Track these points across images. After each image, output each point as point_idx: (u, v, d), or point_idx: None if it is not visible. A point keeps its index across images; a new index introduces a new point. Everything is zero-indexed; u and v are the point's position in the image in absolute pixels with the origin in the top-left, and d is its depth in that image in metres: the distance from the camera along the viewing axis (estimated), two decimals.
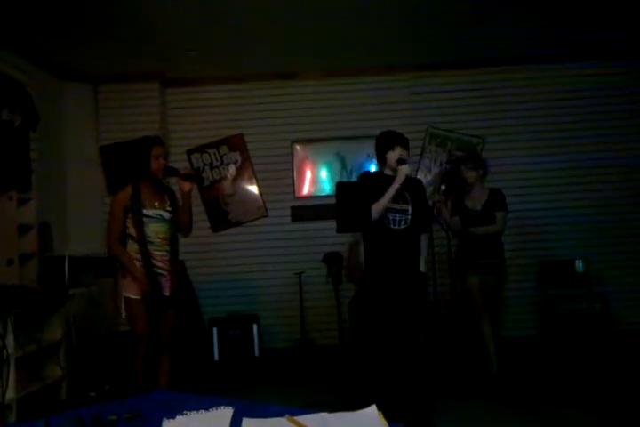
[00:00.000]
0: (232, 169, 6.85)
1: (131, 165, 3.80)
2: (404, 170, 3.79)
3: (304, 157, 6.86)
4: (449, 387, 4.66)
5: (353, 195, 4.08)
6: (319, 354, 6.12)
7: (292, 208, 6.76)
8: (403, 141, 3.93)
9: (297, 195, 6.82)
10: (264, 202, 6.83)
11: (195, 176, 4.07)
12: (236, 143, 6.87)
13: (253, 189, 6.86)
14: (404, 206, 3.87)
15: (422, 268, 3.97)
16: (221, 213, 6.82)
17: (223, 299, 6.58)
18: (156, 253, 3.76)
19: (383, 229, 3.85)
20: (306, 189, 6.83)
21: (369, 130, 6.63)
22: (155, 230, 3.75)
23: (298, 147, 6.86)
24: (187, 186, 3.84)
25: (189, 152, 6.85)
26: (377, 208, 3.78)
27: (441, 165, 6.73)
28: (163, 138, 6.61)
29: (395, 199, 3.84)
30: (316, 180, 6.84)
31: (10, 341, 4.01)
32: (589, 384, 4.64)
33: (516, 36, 6.05)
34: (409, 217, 3.87)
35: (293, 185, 6.82)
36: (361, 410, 1.64)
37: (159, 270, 3.78)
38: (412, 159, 3.96)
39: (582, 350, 5.79)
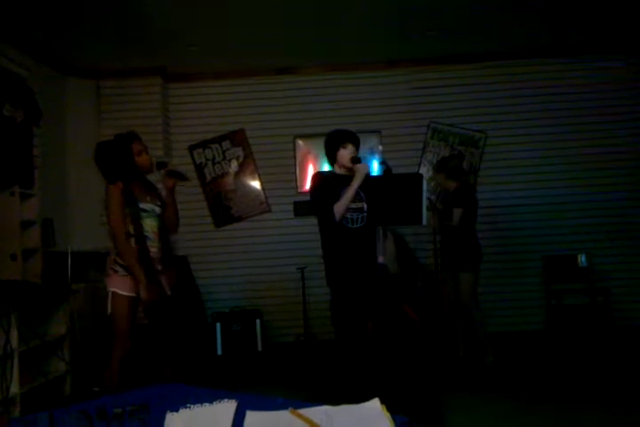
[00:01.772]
0: (234, 164, 6.85)
1: (114, 164, 3.61)
2: (363, 168, 3.75)
3: (306, 151, 6.86)
4: (454, 380, 4.68)
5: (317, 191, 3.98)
6: (322, 349, 6.12)
7: (295, 203, 6.76)
8: (353, 139, 3.88)
9: (299, 190, 6.81)
10: (266, 197, 6.83)
11: (180, 174, 3.91)
12: (238, 138, 6.87)
13: (256, 184, 6.86)
14: (359, 205, 3.84)
15: (380, 259, 3.95)
16: (224, 209, 6.82)
17: (226, 294, 6.59)
18: (152, 249, 3.65)
19: (341, 229, 3.82)
20: (308, 184, 6.82)
21: (371, 124, 6.65)
22: (150, 225, 3.67)
23: (300, 142, 6.86)
24: (170, 182, 3.77)
25: (192, 148, 6.85)
26: (338, 209, 3.74)
27: None
28: (164, 133, 6.68)
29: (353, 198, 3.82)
30: None
31: (14, 336, 4.01)
32: (592, 378, 4.64)
33: (517, 30, 6.04)
34: (365, 215, 3.85)
35: (296, 180, 6.82)
36: (364, 403, 1.64)
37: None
38: (365, 158, 3.91)
39: (586, 344, 5.79)
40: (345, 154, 3.83)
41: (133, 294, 3.54)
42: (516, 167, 6.64)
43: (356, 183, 3.74)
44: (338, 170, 3.92)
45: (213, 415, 1.63)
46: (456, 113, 6.76)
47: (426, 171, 6.64)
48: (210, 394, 1.77)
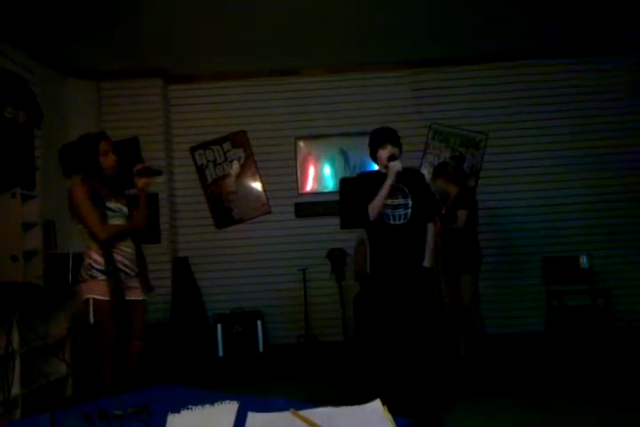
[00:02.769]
0: (235, 166, 6.86)
1: (79, 164, 3.53)
2: (395, 166, 3.76)
3: (307, 153, 6.86)
4: (455, 381, 4.67)
5: (353, 193, 4.05)
6: (323, 350, 6.12)
7: (296, 204, 6.76)
8: (392, 138, 3.91)
9: (300, 191, 6.81)
10: (267, 198, 6.83)
11: (151, 170, 3.73)
12: (239, 140, 6.87)
13: (257, 185, 6.86)
14: (402, 201, 3.85)
15: (427, 262, 3.87)
16: (225, 210, 6.82)
17: (227, 295, 6.59)
18: (124, 249, 3.48)
19: (383, 226, 3.83)
20: (309, 186, 6.83)
21: (372, 126, 6.52)
22: (117, 224, 3.50)
23: (301, 143, 6.86)
24: (141, 182, 3.61)
25: (193, 149, 6.86)
26: (373, 208, 3.78)
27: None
28: (165, 134, 6.68)
29: (393, 194, 3.82)
30: (320, 176, 6.83)
31: (15, 337, 4.02)
32: (593, 379, 4.64)
33: (518, 32, 6.05)
34: (409, 211, 3.84)
35: (297, 181, 6.82)
36: (365, 404, 1.64)
37: (127, 269, 3.48)
38: (401, 156, 3.92)
39: (586, 345, 5.79)
40: (383, 154, 3.88)
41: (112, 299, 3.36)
42: (517, 169, 6.64)
43: (388, 181, 3.76)
44: (381, 169, 3.95)
45: (215, 417, 1.63)
46: (457, 114, 6.76)
47: (427, 172, 6.63)
48: (211, 395, 1.77)
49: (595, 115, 6.65)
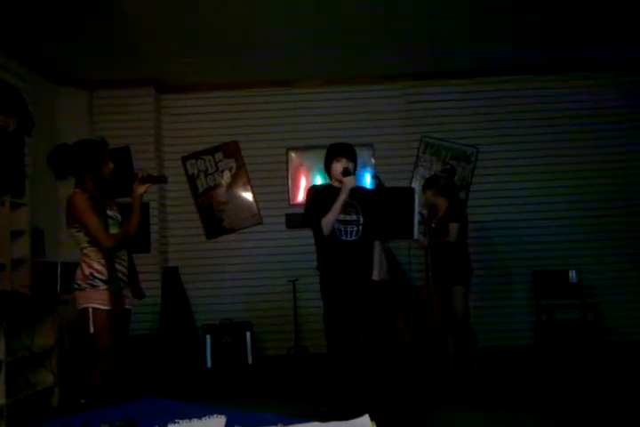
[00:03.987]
0: (227, 176, 6.85)
1: (81, 166, 3.46)
2: (349, 181, 3.76)
3: (299, 164, 6.86)
4: (443, 394, 4.66)
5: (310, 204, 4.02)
6: (313, 362, 6.09)
7: (287, 215, 6.75)
8: (348, 152, 3.92)
9: (291, 202, 6.81)
10: (259, 209, 6.82)
11: (156, 178, 3.75)
12: (231, 150, 6.87)
13: (248, 195, 6.85)
14: (354, 217, 3.87)
15: (375, 276, 3.94)
16: (216, 220, 6.81)
17: (216, 306, 6.55)
18: (122, 257, 3.49)
19: (335, 241, 3.84)
20: (300, 197, 6.83)
21: (364, 138, 6.66)
22: (118, 233, 3.48)
23: (293, 154, 6.86)
24: (142, 189, 3.57)
25: (184, 159, 6.85)
26: (326, 222, 3.78)
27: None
28: (157, 144, 6.67)
29: (345, 210, 3.83)
30: None
31: (1, 347, 3.99)
32: (581, 394, 4.64)
33: (511, 46, 6.11)
34: (360, 227, 3.87)
35: (288, 192, 6.82)
36: (353, 420, 1.63)
37: (124, 278, 3.48)
38: (357, 171, 3.95)
39: (576, 359, 5.80)
40: (337, 167, 3.87)
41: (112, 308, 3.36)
42: (508, 182, 6.67)
43: (342, 196, 3.76)
44: (334, 183, 3.95)
45: None
46: (448, 128, 6.79)
47: (418, 185, 6.65)
48: (199, 409, 1.75)
49: (585, 130, 6.69)
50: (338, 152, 3.92)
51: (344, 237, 3.84)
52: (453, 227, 5.02)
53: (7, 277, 4.84)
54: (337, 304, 3.85)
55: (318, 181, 6.82)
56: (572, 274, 6.40)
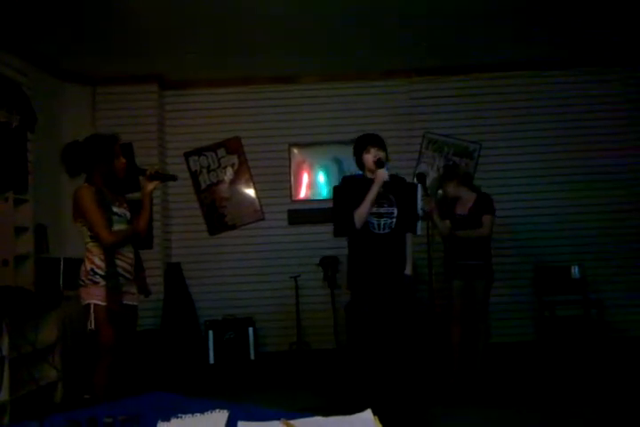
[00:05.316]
0: (229, 172, 6.85)
1: (93, 163, 3.44)
2: (381, 174, 3.70)
3: (301, 160, 6.86)
4: (445, 392, 4.66)
5: (340, 199, 3.95)
6: (315, 358, 6.11)
7: (289, 211, 6.76)
8: (377, 142, 3.85)
9: (294, 198, 6.82)
10: (261, 205, 6.83)
11: (167, 176, 3.81)
12: (233, 146, 6.87)
13: (250, 192, 6.86)
14: (389, 209, 3.79)
15: (408, 270, 3.87)
16: (218, 216, 6.81)
17: (219, 302, 6.56)
18: (126, 254, 3.48)
19: (367, 235, 3.75)
20: (303, 193, 6.84)
21: None
22: (122, 230, 3.48)
23: (295, 150, 6.86)
24: (151, 186, 3.59)
25: (187, 155, 6.85)
26: (359, 215, 3.69)
27: (438, 170, 6.72)
28: (159, 140, 6.68)
29: (379, 202, 3.76)
30: (313, 183, 6.84)
31: (4, 342, 4.00)
32: (583, 390, 4.64)
33: (514, 42, 6.09)
34: (394, 220, 3.78)
35: (290, 188, 6.82)
36: (356, 414, 1.63)
37: (127, 274, 3.47)
38: (388, 164, 3.85)
39: (578, 356, 5.79)
40: (369, 158, 3.81)
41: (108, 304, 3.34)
42: (510, 178, 6.65)
43: (375, 188, 3.69)
44: (368, 174, 3.87)
45: (205, 426, 1.62)
46: (451, 124, 6.78)
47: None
48: (201, 404, 1.76)
49: (589, 126, 6.68)
50: (367, 143, 3.86)
51: (377, 231, 3.75)
52: (487, 219, 4.90)
53: (11, 273, 4.86)
54: (363, 296, 3.77)
55: (321, 177, 6.83)
56: (575, 270, 6.40)
